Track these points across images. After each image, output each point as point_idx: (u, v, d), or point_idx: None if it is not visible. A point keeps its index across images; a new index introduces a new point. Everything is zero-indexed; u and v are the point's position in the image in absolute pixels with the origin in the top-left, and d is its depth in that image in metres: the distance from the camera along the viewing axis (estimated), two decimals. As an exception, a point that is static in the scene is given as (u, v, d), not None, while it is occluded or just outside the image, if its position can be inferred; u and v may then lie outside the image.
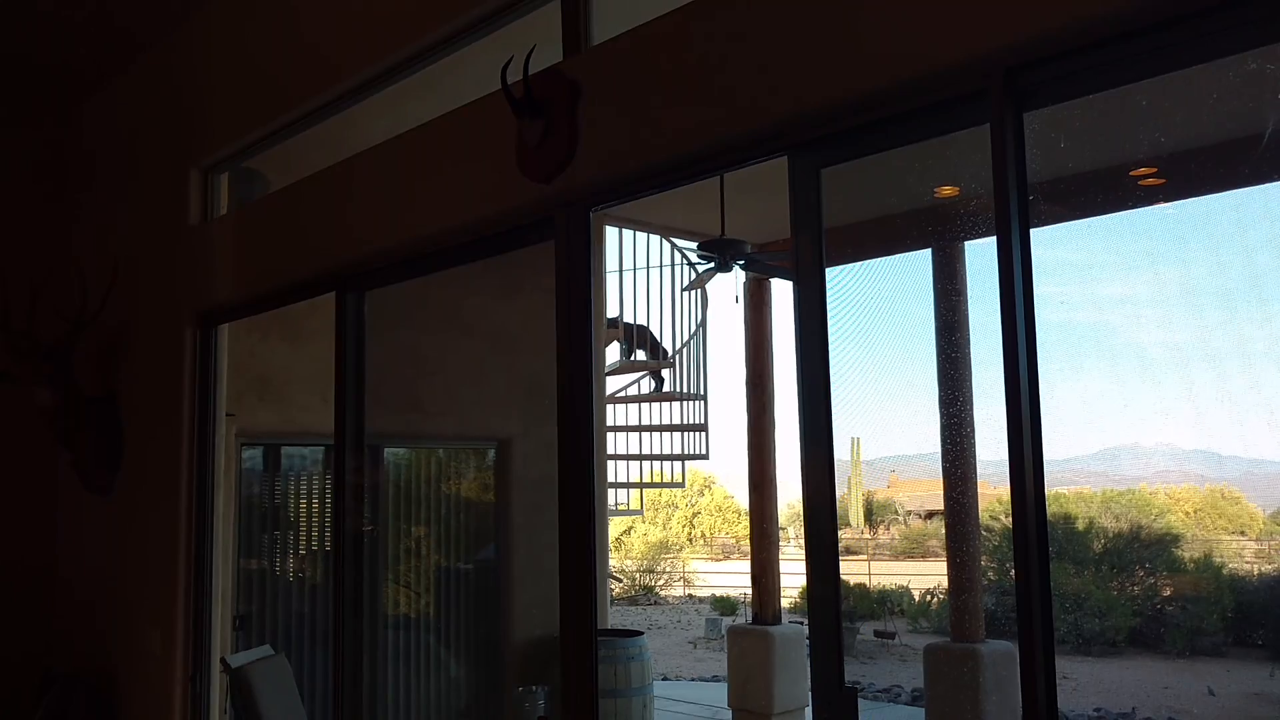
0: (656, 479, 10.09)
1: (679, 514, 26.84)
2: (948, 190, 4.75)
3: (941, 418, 6.14)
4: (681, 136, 2.89)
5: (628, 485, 9.60)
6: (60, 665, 5.62)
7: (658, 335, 9.19)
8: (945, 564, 6.73)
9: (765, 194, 3.84)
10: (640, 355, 9.21)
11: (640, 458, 9.50)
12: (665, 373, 9.35)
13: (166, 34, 5.34)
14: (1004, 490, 2.22)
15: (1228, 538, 12.13)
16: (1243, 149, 4.25)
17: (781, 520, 9.45)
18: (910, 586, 14.98)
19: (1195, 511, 12.09)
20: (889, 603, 14.56)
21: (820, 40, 2.58)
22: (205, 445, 4.93)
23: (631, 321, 8.99)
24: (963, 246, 6.14)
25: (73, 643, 5.74)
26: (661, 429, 9.42)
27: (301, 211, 4.48)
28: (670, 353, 9.17)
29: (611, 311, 8.88)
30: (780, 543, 8.73)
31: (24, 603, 5.91)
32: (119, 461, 5.45)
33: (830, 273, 2.69)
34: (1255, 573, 11.55)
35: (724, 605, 18.44)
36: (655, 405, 9.46)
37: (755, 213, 6.63)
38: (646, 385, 9.58)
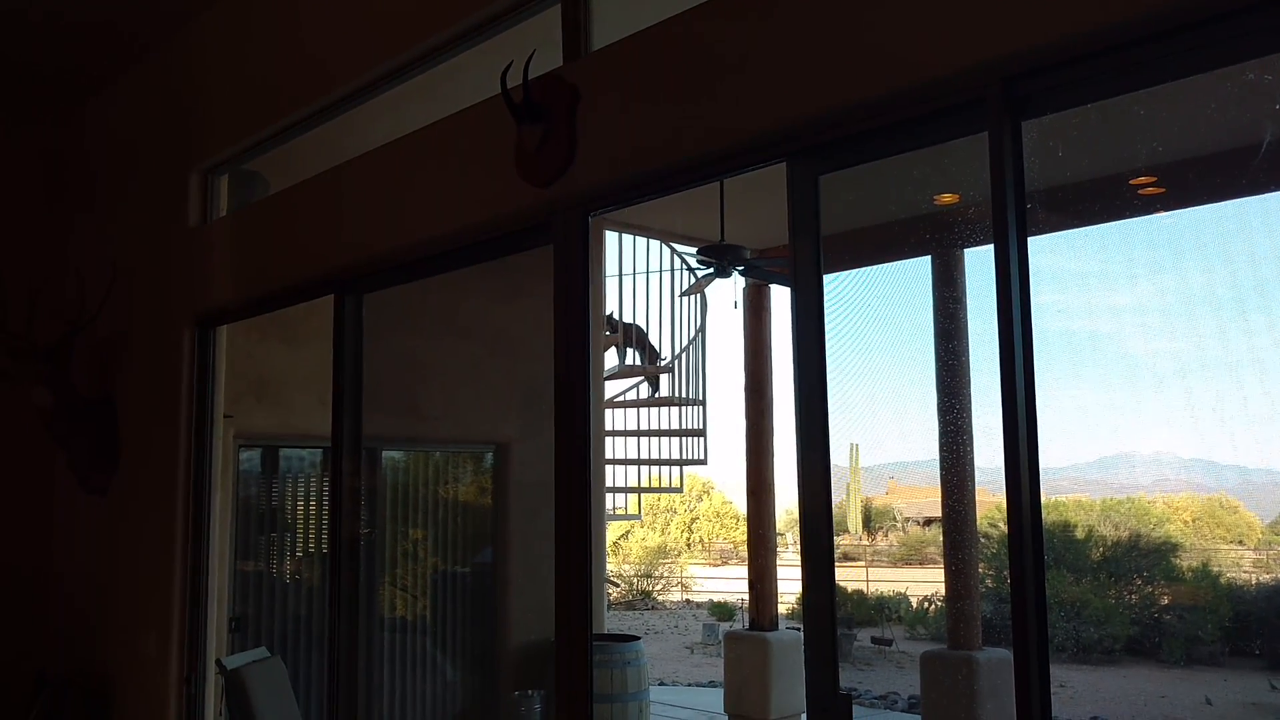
0: (655, 484, 10.08)
1: (677, 519, 26.82)
2: (947, 197, 4.76)
3: (940, 425, 6.13)
4: (680, 142, 2.89)
5: (626, 490, 9.59)
6: (54, 667, 5.61)
7: (657, 340, 9.19)
8: (943, 571, 6.72)
9: (765, 200, 3.84)
10: (629, 352, 9.20)
11: (639, 462, 9.49)
12: (663, 378, 9.34)
13: (167, 37, 5.34)
14: (1002, 498, 2.22)
15: (1226, 547, 12.12)
16: (1241, 159, 4.25)
17: (779, 526, 9.44)
18: (908, 593, 14.96)
19: (1193, 520, 12.08)
20: (886, 609, 14.55)
21: (819, 47, 2.58)
22: (202, 447, 4.92)
23: (619, 318, 9.00)
24: (962, 254, 6.14)
25: (67, 645, 5.73)
26: (660, 434, 9.42)
27: (300, 214, 4.48)
28: (661, 353, 9.17)
29: (610, 314, 8.88)
30: (778, 549, 8.72)
31: (18, 604, 5.90)
32: (115, 463, 5.45)
33: (828, 279, 2.69)
34: (1253, 582, 11.53)
35: (721, 611, 18.42)
36: (654, 410, 9.46)
37: (755, 218, 6.64)
38: (646, 390, 9.57)
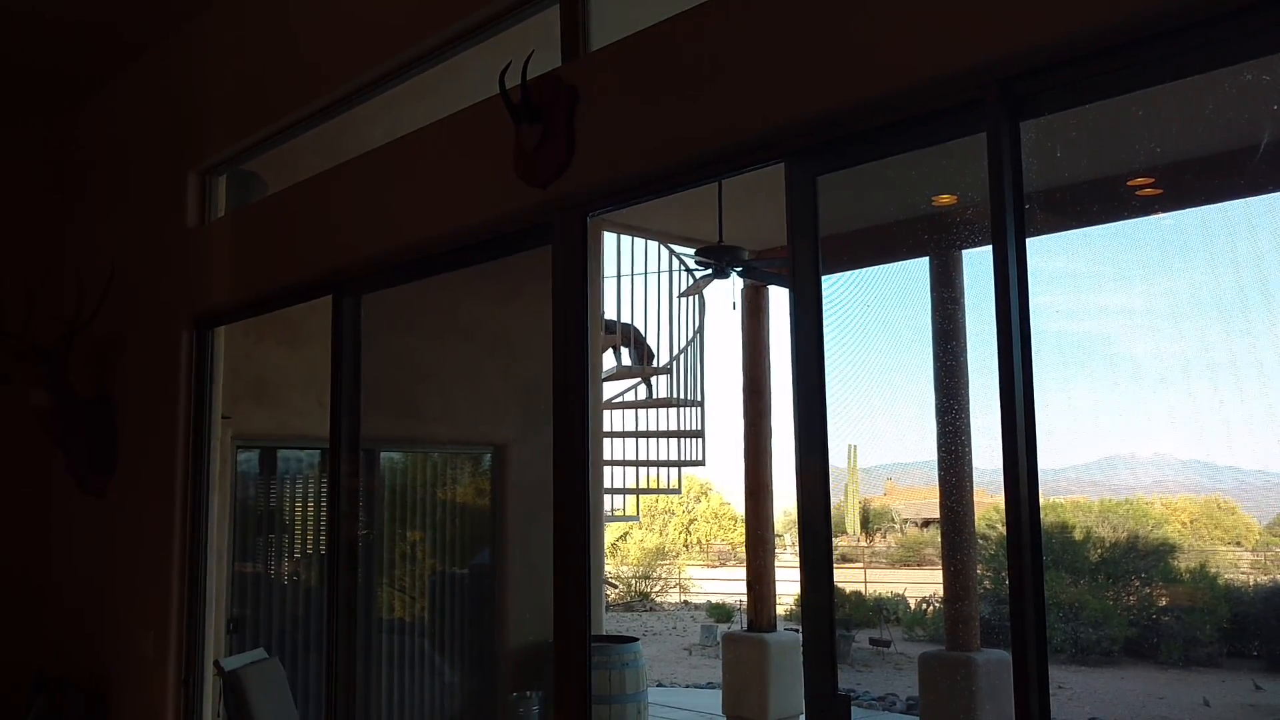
0: (653, 485, 10.07)
1: (675, 520, 26.82)
2: (946, 198, 4.76)
3: (938, 426, 6.13)
4: (679, 142, 2.89)
5: (624, 491, 9.59)
6: (52, 668, 5.60)
7: (655, 342, 9.19)
8: (941, 572, 6.72)
9: (764, 201, 3.85)
10: (624, 352, 9.20)
11: (637, 463, 9.49)
12: (661, 379, 9.34)
13: (164, 37, 5.34)
14: (1001, 499, 2.22)
15: (1223, 548, 12.12)
16: (1239, 160, 4.25)
17: (777, 527, 9.45)
18: (906, 594, 14.97)
19: (1191, 522, 12.08)
20: (885, 610, 14.54)
21: (818, 48, 2.58)
22: (200, 448, 4.92)
23: (617, 319, 9.00)
24: (960, 255, 6.14)
25: (65, 646, 5.72)
26: (658, 435, 9.41)
27: (298, 215, 4.47)
28: (655, 353, 9.17)
29: (607, 315, 8.88)
30: (776, 550, 8.73)
31: (16, 605, 5.89)
32: (113, 464, 5.44)
33: (827, 280, 2.69)
34: (1250, 583, 11.54)
35: (719, 612, 18.41)
36: (652, 411, 9.46)
37: (753, 219, 6.64)
38: (642, 391, 9.57)
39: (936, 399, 6.03)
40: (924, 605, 14.28)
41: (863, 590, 15.64)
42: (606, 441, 9.09)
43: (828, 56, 2.56)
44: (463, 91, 3.68)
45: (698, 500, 27.15)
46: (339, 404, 4.11)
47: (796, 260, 2.70)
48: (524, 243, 3.49)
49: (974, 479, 6.32)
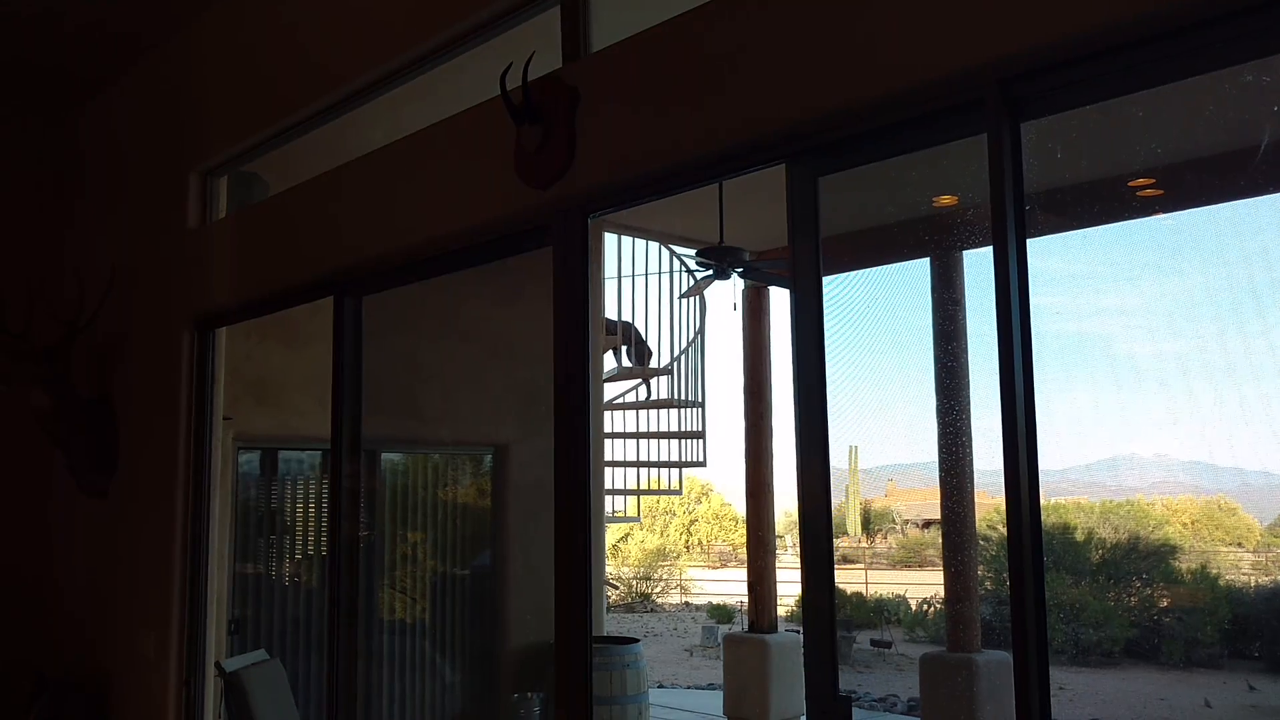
0: (654, 486, 10.07)
1: (676, 521, 26.80)
2: (946, 199, 4.77)
3: (939, 427, 6.14)
4: (679, 144, 2.89)
5: (625, 492, 9.58)
6: (53, 669, 5.60)
7: (655, 342, 9.18)
8: (942, 573, 6.72)
9: (765, 202, 3.85)
10: (622, 350, 9.20)
11: (638, 464, 9.49)
12: (662, 380, 9.33)
13: (166, 38, 5.34)
14: (1002, 500, 2.22)
15: (1224, 549, 12.12)
16: (1239, 160, 4.25)
17: (778, 528, 9.44)
18: (907, 596, 14.95)
19: (1192, 523, 12.08)
20: (886, 612, 14.53)
21: (819, 49, 2.58)
22: (202, 449, 4.92)
23: (618, 319, 9.00)
24: (961, 256, 6.14)
25: (66, 647, 5.72)
26: (659, 436, 9.41)
27: (299, 216, 4.48)
28: (653, 351, 9.16)
29: (607, 315, 8.88)
30: (777, 551, 8.72)
31: (17, 606, 5.89)
32: (114, 465, 5.44)
33: (828, 281, 2.70)
34: (1252, 584, 11.54)
35: (720, 613, 18.40)
36: (653, 412, 9.45)
37: (754, 220, 6.64)
38: (642, 391, 9.57)
39: (937, 400, 6.03)
40: (925, 606, 14.27)
41: (864, 591, 15.62)
42: (607, 442, 9.08)
43: (829, 58, 2.56)
44: (463, 93, 3.69)
45: (698, 501, 27.14)
46: (340, 405, 4.12)
47: (797, 261, 2.70)
48: (525, 244, 3.49)
49: (975, 480, 6.32)
